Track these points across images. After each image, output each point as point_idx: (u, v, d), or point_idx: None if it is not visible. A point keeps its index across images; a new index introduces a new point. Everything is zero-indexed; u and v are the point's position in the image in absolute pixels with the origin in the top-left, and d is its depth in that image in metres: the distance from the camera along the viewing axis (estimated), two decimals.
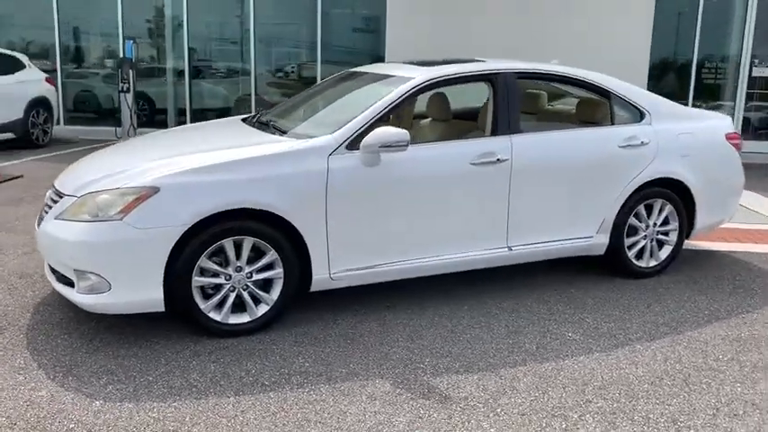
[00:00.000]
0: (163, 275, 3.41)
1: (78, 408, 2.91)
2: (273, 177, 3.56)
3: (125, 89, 12.25)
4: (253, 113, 4.92)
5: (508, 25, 11.03)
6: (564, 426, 2.87)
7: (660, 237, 4.74)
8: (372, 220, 3.80)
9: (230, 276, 3.59)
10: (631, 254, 4.65)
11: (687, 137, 4.67)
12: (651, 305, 4.26)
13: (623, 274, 4.71)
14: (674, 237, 4.76)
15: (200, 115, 13.37)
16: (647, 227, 4.66)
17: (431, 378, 3.25)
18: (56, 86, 11.38)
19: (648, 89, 10.81)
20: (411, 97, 4.01)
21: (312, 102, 4.51)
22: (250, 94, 13.12)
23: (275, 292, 3.69)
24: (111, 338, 3.61)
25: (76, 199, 3.51)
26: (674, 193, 4.68)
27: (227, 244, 3.53)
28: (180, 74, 13.39)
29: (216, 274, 3.56)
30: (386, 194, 3.80)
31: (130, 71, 12.25)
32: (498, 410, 2.98)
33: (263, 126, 4.23)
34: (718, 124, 4.88)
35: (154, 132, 4.87)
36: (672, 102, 4.82)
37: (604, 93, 4.57)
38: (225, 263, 3.57)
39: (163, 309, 3.49)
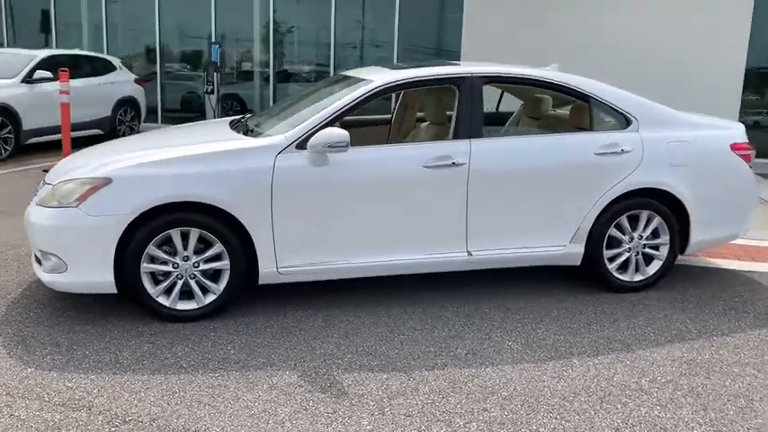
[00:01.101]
0: (113, 260, 3.70)
1: (10, 373, 3.23)
2: (219, 173, 3.75)
3: (209, 90, 13.03)
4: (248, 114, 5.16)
5: (588, 23, 10.52)
6: (440, 430, 2.84)
7: (648, 250, 4.48)
8: (320, 219, 3.90)
9: (178, 265, 3.82)
10: (612, 266, 4.44)
11: (680, 146, 4.39)
12: (617, 321, 4.06)
13: (605, 288, 4.51)
14: (664, 251, 4.49)
15: None
16: (632, 239, 4.43)
17: (340, 373, 3.31)
18: (144, 87, 12.29)
19: (745, 93, 10.13)
20: (367, 100, 4.07)
21: (295, 104, 4.67)
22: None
23: (222, 283, 3.88)
24: (75, 315, 3.95)
25: (51, 187, 3.88)
26: (664, 204, 4.41)
27: (174, 234, 3.76)
28: (266, 77, 14.05)
29: (165, 262, 3.81)
30: (333, 194, 3.89)
31: (215, 74, 13.02)
32: (386, 410, 3.00)
33: (242, 126, 4.43)
34: (721, 134, 4.55)
35: (158, 129, 5.23)
36: (669, 108, 4.55)
37: (584, 98, 4.40)
38: (174, 252, 3.81)
39: (115, 291, 3.78)
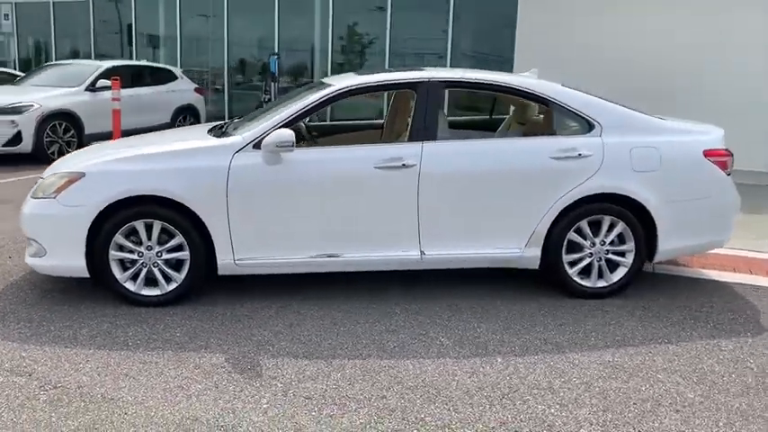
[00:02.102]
0: (84, 247, 4.08)
1: None
2: (178, 170, 4.07)
3: (266, 100, 13.65)
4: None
5: (650, 23, 10.20)
6: (331, 412, 3.00)
7: (613, 257, 4.44)
8: (273, 215, 4.14)
9: (142, 254, 4.16)
10: (573, 271, 4.42)
11: (645, 151, 4.33)
12: (565, 324, 4.06)
13: (567, 293, 4.49)
14: (629, 258, 4.43)
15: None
16: (593, 244, 4.40)
17: (265, 358, 3.53)
18: (204, 95, 13.01)
19: None
20: (324, 104, 4.28)
21: (269, 109, 4.91)
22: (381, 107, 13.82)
23: (183, 272, 4.19)
24: (58, 297, 4.36)
25: (42, 180, 4.33)
26: (629, 211, 4.36)
27: (139, 225, 4.11)
28: None
29: (131, 251, 4.16)
30: (286, 192, 4.12)
31: (273, 84, 13.63)
32: (290, 392, 3.18)
33: (218, 130, 4.74)
34: (693, 140, 4.45)
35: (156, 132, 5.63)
36: (641, 114, 4.49)
37: (546, 102, 4.42)
38: (140, 242, 4.16)
39: (87, 275, 4.17)
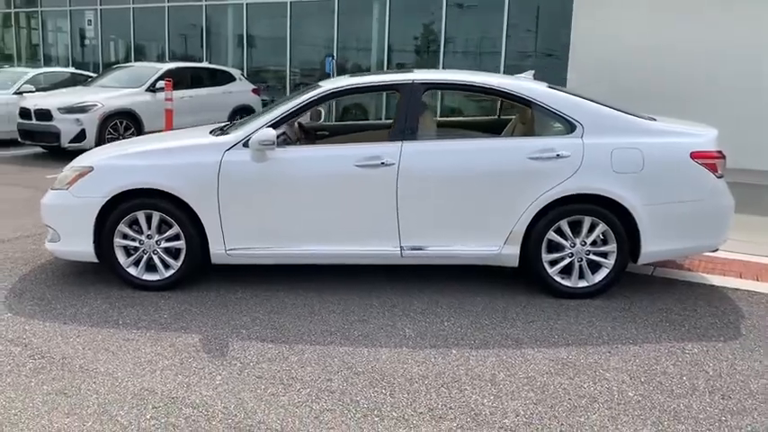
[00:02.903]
0: (92, 234, 4.50)
1: None
2: (174, 166, 4.41)
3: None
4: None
5: (717, 22, 9.87)
6: (275, 391, 3.23)
7: (595, 258, 4.46)
8: (260, 208, 4.42)
9: (143, 242, 4.54)
10: (553, 271, 4.47)
11: (626, 152, 4.33)
12: (534, 322, 4.13)
13: (548, 293, 4.54)
14: (612, 259, 4.44)
15: None
16: (574, 245, 4.43)
17: (235, 341, 3.81)
18: (260, 96, 13.55)
19: None
20: (313, 104, 4.52)
21: (267, 110, 5.14)
22: (436, 105, 13.96)
23: (180, 260, 4.54)
24: (72, 280, 4.81)
25: (61, 173, 4.79)
26: (611, 212, 4.37)
27: (140, 216, 4.48)
28: None
29: (134, 239, 4.54)
30: (271, 187, 4.39)
31: None
32: (245, 371, 3.44)
33: (219, 130, 5.05)
34: (680, 141, 4.39)
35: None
36: (626, 114, 4.47)
37: (527, 103, 4.48)
38: (142, 231, 4.53)
39: (96, 260, 4.58)
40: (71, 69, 14.07)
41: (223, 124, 5.23)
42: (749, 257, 5.46)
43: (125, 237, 4.54)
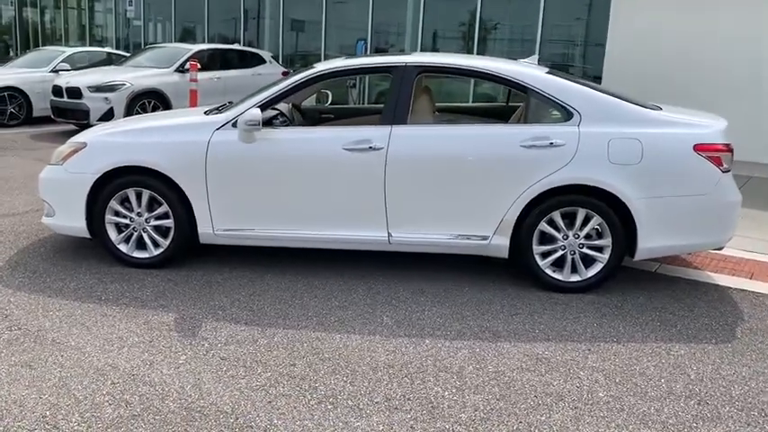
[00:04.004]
0: (85, 210, 4.54)
1: None
2: (163, 144, 4.41)
3: (351, 84, 14.01)
4: None
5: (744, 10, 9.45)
6: (235, 373, 3.21)
7: (589, 251, 4.29)
8: (246, 189, 4.38)
9: (133, 219, 4.56)
10: (544, 263, 4.32)
11: (624, 143, 4.13)
12: (517, 315, 4.00)
13: (539, 286, 4.40)
14: (606, 253, 4.26)
15: None
16: (566, 237, 4.27)
17: (209, 322, 3.79)
18: None
19: None
20: (303, 86, 4.46)
21: (262, 90, 5.06)
22: (468, 93, 13.76)
23: (169, 238, 4.55)
24: (68, 255, 4.88)
25: (58, 149, 4.85)
26: (606, 204, 4.19)
27: (130, 193, 4.51)
28: None
29: (125, 216, 4.57)
30: (258, 168, 4.35)
31: None
32: (211, 352, 3.42)
33: (215, 109, 5.02)
34: (683, 132, 4.17)
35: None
36: (627, 103, 4.27)
37: (523, 89, 4.32)
38: (132, 208, 4.56)
39: (88, 236, 4.63)
40: (107, 49, 14.34)
41: (220, 104, 5.22)
42: (764, 257, 5.19)
43: (116, 214, 4.57)
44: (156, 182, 4.45)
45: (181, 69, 11.19)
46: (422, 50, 14.52)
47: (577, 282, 4.33)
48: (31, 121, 11.84)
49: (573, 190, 4.20)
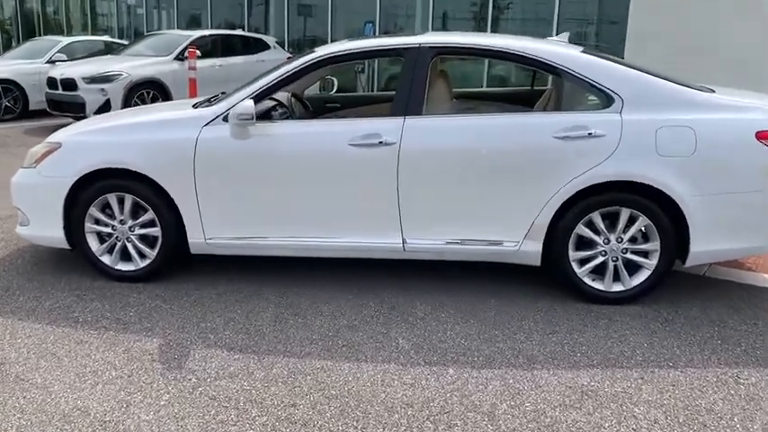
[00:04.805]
0: (62, 218, 4.04)
1: None
2: (147, 142, 3.89)
3: (359, 70, 13.42)
4: None
5: None
6: (225, 418, 2.71)
7: (633, 257, 3.74)
8: (241, 192, 3.86)
9: (116, 228, 4.06)
10: (582, 271, 3.77)
11: (675, 131, 3.56)
12: (554, 334, 3.46)
13: (576, 297, 3.86)
14: (654, 259, 3.71)
15: None
16: (608, 241, 3.72)
17: (199, 348, 3.29)
18: None
19: None
20: (303, 73, 3.91)
21: (258, 78, 4.53)
22: (482, 77, 13.14)
23: (156, 249, 4.04)
24: (47, 267, 4.39)
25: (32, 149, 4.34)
26: (654, 203, 3.63)
27: (111, 198, 4.00)
28: None
29: (107, 224, 4.07)
30: (254, 168, 3.82)
31: None
32: (199, 389, 2.92)
33: (206, 101, 4.48)
34: (743, 118, 3.59)
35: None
36: (676, 85, 3.69)
37: (555, 71, 3.75)
38: (114, 216, 4.05)
39: (68, 246, 4.14)
40: (105, 38, 13.83)
41: (211, 96, 4.68)
42: None
43: (97, 222, 4.07)
44: (140, 185, 3.94)
45: (180, 57, 10.66)
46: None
47: (621, 292, 3.78)
48: (27, 114, 11.38)
49: (615, 187, 3.64)
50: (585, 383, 2.99)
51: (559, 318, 3.65)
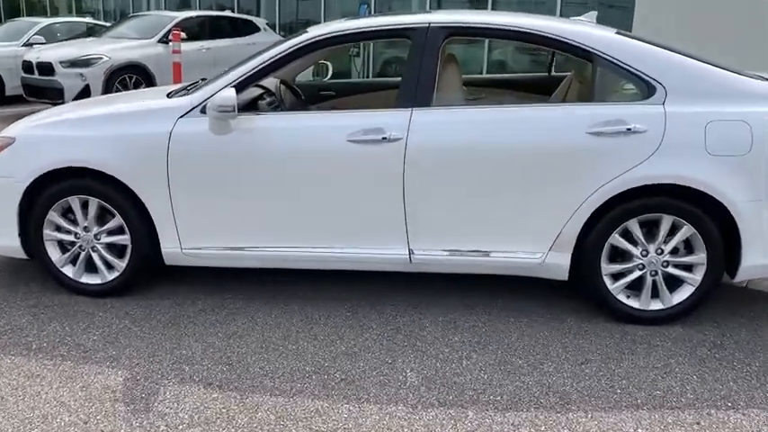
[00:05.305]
0: (17, 224, 3.51)
1: None
2: (113, 137, 3.36)
3: (354, 53, 12.84)
4: None
5: None
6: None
7: (675, 271, 3.24)
8: (223, 196, 3.34)
9: (79, 235, 3.53)
10: (616, 287, 3.28)
11: (728, 126, 3.06)
12: (586, 363, 2.97)
13: (608, 316, 3.37)
14: (699, 273, 3.22)
15: None
16: (646, 252, 3.23)
17: (171, 384, 2.78)
18: None
19: None
20: (295, 56, 3.37)
21: (241, 63, 4.01)
22: (481, 61, 12.59)
23: (126, 259, 3.52)
24: (2, 280, 3.86)
25: None
26: (701, 209, 3.13)
27: (73, 202, 3.47)
28: None
29: (69, 231, 3.54)
30: (236, 167, 3.29)
31: None
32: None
33: (183, 89, 3.95)
34: None
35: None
36: (728, 72, 3.18)
37: (587, 55, 3.23)
38: (77, 221, 3.53)
39: (25, 256, 3.61)
40: (87, 19, 13.18)
41: (189, 83, 4.13)
42: None
43: (58, 229, 3.54)
44: (106, 187, 3.41)
45: (165, 40, 10.04)
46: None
47: (659, 311, 3.29)
48: (4, 100, 10.76)
49: (657, 191, 3.14)
50: (631, 430, 2.50)
51: (591, 342, 3.16)
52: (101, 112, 3.47)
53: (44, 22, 11.73)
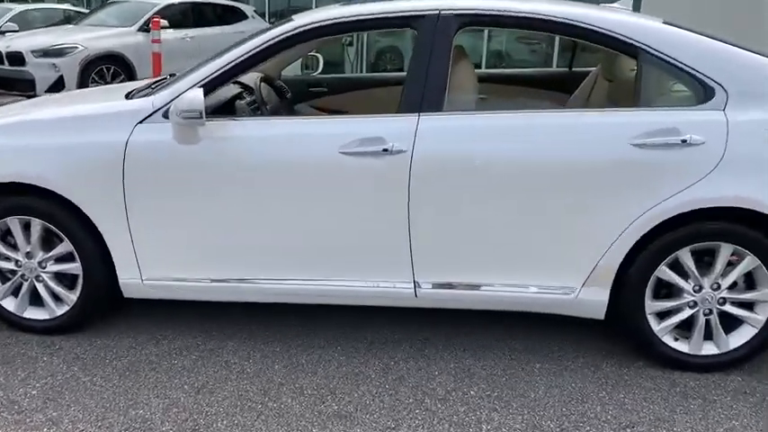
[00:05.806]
0: None
1: None
2: (57, 147, 2.78)
3: (347, 42, 12.27)
4: None
5: None
6: None
7: (734, 309, 2.71)
8: (190, 218, 2.78)
9: (21, 263, 2.96)
10: (662, 327, 2.74)
11: None
12: (634, 426, 2.44)
13: (653, 361, 2.84)
14: (763, 313, 2.69)
15: None
16: (699, 288, 2.69)
17: (116, 417, 2.23)
18: None
19: None
20: (277, 49, 2.79)
21: (213, 58, 3.41)
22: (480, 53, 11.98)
23: (77, 291, 2.95)
24: None
25: None
26: (764, 235, 2.60)
27: (12, 223, 2.90)
28: None
29: (8, 258, 2.97)
30: (204, 185, 2.73)
31: None
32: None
33: (146, 88, 3.36)
34: None
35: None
36: None
37: (632, 51, 2.67)
38: (17, 247, 2.95)
39: None
40: (65, 6, 12.49)
41: (153, 80, 3.55)
42: None
43: None
44: (51, 206, 2.84)
45: (146, 28, 9.40)
46: None
47: (714, 356, 2.76)
48: None
49: (714, 215, 2.60)
50: None
51: (633, 396, 2.62)
52: (45, 116, 2.89)
53: (17, 8, 11.07)
